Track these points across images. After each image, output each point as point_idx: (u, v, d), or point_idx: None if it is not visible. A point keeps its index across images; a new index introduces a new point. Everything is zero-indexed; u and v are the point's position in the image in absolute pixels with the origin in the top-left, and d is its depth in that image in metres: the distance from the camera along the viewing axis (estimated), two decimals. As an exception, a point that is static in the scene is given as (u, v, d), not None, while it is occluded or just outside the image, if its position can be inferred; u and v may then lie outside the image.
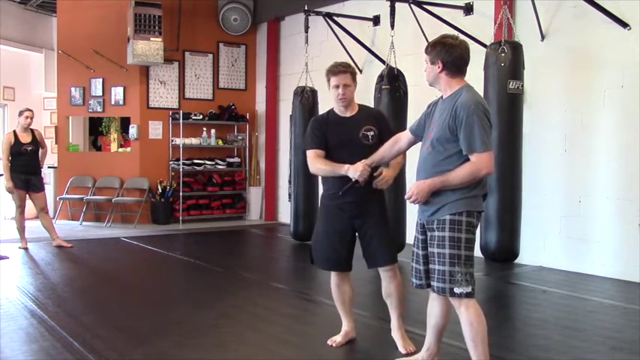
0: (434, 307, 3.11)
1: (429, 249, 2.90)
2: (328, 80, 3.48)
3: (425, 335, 3.21)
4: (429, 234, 2.91)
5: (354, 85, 3.48)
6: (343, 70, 3.43)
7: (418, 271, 3.01)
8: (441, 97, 3.02)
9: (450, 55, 2.88)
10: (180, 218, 9.41)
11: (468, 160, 2.80)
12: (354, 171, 3.22)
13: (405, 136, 3.20)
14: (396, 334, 3.55)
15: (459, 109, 2.78)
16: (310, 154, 3.47)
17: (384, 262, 3.47)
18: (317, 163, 3.42)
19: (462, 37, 6.60)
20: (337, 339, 3.60)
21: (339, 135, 3.43)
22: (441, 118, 2.87)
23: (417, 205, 2.96)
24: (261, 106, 10.21)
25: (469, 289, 2.81)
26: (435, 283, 2.85)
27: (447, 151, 2.83)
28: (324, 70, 3.53)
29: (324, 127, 3.47)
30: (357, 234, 3.50)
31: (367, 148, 3.36)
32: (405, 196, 2.89)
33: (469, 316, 2.80)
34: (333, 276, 3.60)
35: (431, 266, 2.88)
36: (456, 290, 2.79)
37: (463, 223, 2.82)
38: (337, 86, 3.43)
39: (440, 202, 2.83)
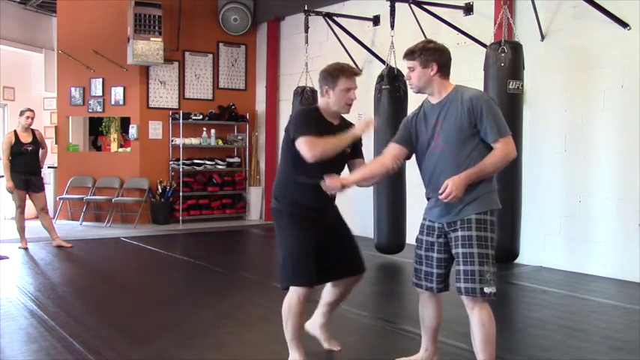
0: (426, 309, 3.10)
1: (454, 250, 2.85)
2: (335, 81, 3.18)
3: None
4: (451, 235, 2.86)
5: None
6: (357, 73, 3.26)
7: (430, 274, 2.96)
8: (423, 104, 3.01)
9: (441, 57, 2.91)
10: (180, 218, 9.41)
11: (489, 149, 2.80)
12: (332, 183, 3.00)
13: (390, 157, 3.05)
14: (321, 330, 3.52)
15: (475, 101, 2.80)
16: (308, 139, 3.06)
17: (359, 270, 3.37)
18: (321, 143, 3.05)
19: (461, 37, 6.62)
20: None
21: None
22: (450, 117, 2.84)
23: (435, 208, 2.92)
24: (261, 106, 10.21)
25: (495, 289, 2.81)
26: (462, 285, 2.79)
27: (466, 150, 2.82)
28: (330, 69, 3.24)
29: (315, 126, 3.14)
30: (327, 243, 3.25)
31: (342, 163, 3.28)
32: (442, 195, 2.76)
33: (482, 317, 2.79)
34: (302, 294, 3.13)
35: (456, 267, 2.84)
36: (486, 290, 2.77)
37: (488, 222, 2.84)
38: (349, 89, 3.19)
39: (463, 201, 2.80)
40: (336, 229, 3.35)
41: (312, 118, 3.19)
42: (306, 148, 3.05)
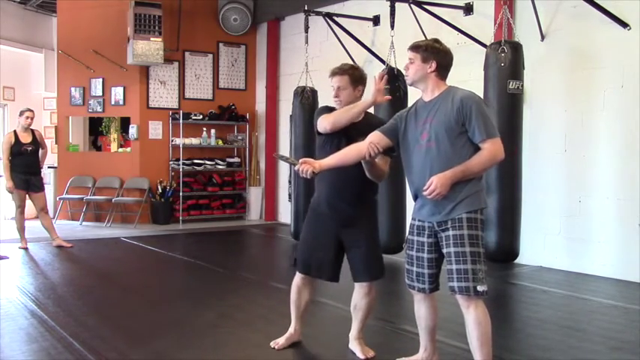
0: (422, 309, 3.10)
1: (444, 250, 2.87)
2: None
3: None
4: (441, 235, 2.88)
5: (354, 89, 3.39)
6: (338, 72, 3.40)
7: (422, 275, 2.97)
8: (417, 102, 3.03)
9: (444, 58, 2.95)
10: (180, 218, 9.42)
11: (477, 149, 2.82)
12: (303, 167, 3.06)
13: (367, 143, 3.04)
14: (354, 342, 3.52)
15: (465, 101, 2.82)
16: (321, 117, 3.35)
17: (363, 278, 3.40)
18: (332, 115, 3.31)
19: (461, 37, 6.61)
20: (280, 341, 3.57)
21: (338, 134, 3.32)
22: (439, 116, 2.87)
23: (424, 207, 2.93)
24: (261, 106, 10.21)
25: (487, 288, 2.82)
26: (456, 284, 2.80)
27: (454, 149, 2.83)
28: (326, 71, 3.50)
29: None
30: (343, 244, 3.41)
31: None
32: (426, 192, 2.80)
33: (478, 315, 2.80)
34: (298, 278, 3.53)
35: (448, 267, 2.85)
36: (479, 288, 2.78)
37: (479, 221, 2.85)
38: (333, 87, 3.42)
39: (453, 200, 2.82)
40: (352, 233, 3.37)
41: (328, 109, 3.45)
42: (321, 123, 3.33)
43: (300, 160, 3.08)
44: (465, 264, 2.78)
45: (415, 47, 2.97)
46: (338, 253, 3.43)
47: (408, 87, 6.04)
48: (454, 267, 2.80)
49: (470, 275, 2.77)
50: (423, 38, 6.26)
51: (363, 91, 3.46)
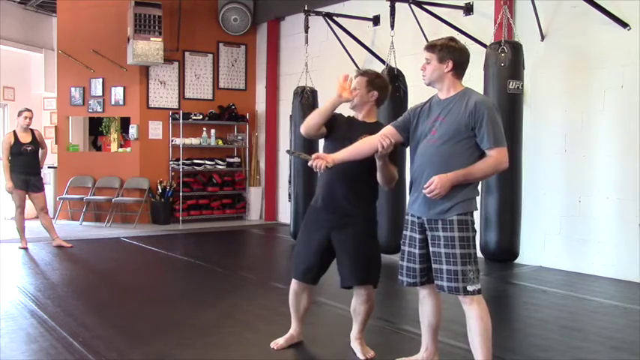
0: (425, 307, 3.12)
1: (432, 249, 2.90)
2: None
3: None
4: (430, 233, 2.91)
5: (367, 91, 3.37)
6: (360, 73, 3.43)
7: (412, 270, 3.02)
8: (432, 98, 3.04)
9: (460, 57, 2.95)
10: (180, 218, 9.42)
11: (482, 154, 2.84)
12: (317, 161, 3.09)
13: (380, 136, 3.08)
14: (355, 343, 3.52)
15: (479, 106, 2.84)
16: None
17: (347, 282, 3.37)
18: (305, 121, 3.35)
19: (461, 37, 6.62)
20: (280, 341, 3.58)
21: (343, 132, 3.36)
22: (451, 116, 2.88)
23: (416, 202, 2.96)
24: (261, 106, 10.21)
25: (479, 286, 2.85)
26: (445, 283, 2.84)
27: (457, 150, 2.85)
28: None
29: (336, 118, 3.41)
30: (334, 248, 3.38)
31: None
32: (425, 190, 2.83)
33: (480, 311, 2.83)
34: (294, 283, 3.54)
35: (436, 266, 2.88)
36: (469, 288, 2.82)
37: (469, 222, 2.87)
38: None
39: (449, 201, 2.84)
40: (342, 235, 3.35)
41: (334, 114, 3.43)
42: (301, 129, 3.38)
43: (313, 155, 3.11)
44: (455, 265, 2.82)
45: (431, 47, 2.97)
46: (326, 258, 3.41)
47: (408, 87, 6.07)
48: (444, 267, 2.84)
49: (460, 276, 2.82)
50: (423, 38, 6.28)
51: (378, 97, 3.41)
